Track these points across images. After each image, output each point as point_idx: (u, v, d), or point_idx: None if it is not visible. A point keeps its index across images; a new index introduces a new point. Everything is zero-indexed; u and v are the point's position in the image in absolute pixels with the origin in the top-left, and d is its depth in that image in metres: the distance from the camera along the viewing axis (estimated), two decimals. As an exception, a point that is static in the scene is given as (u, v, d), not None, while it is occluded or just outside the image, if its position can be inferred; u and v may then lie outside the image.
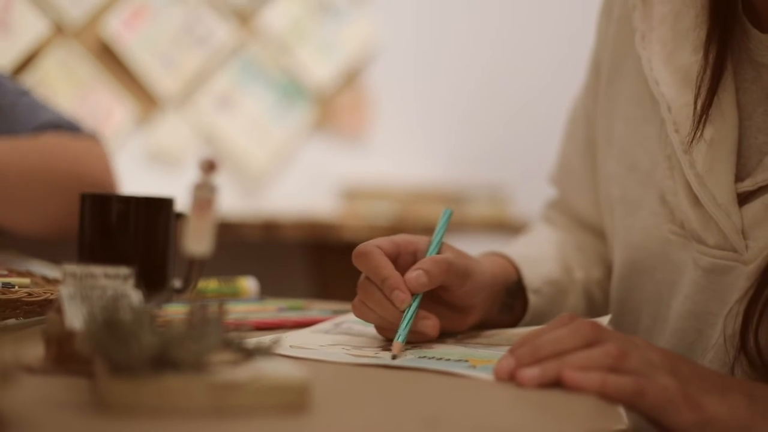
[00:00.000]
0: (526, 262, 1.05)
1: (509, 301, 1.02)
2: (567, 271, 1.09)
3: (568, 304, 1.08)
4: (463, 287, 0.92)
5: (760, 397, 0.76)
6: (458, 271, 0.91)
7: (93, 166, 1.34)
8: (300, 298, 1.15)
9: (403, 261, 0.92)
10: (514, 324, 1.02)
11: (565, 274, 1.09)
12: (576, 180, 1.16)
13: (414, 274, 0.88)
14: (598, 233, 1.15)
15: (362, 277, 0.91)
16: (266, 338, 0.80)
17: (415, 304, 0.87)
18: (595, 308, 1.11)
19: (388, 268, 0.89)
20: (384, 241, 0.91)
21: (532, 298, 1.03)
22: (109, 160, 1.37)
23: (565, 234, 1.17)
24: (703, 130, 0.91)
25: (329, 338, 0.90)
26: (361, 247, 0.90)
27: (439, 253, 0.93)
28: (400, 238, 0.93)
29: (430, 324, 0.89)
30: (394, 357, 0.81)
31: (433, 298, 0.92)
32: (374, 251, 0.90)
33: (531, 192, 1.23)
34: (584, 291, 1.10)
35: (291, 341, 0.86)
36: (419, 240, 0.94)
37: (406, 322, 0.86)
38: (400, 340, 0.85)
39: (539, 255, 1.09)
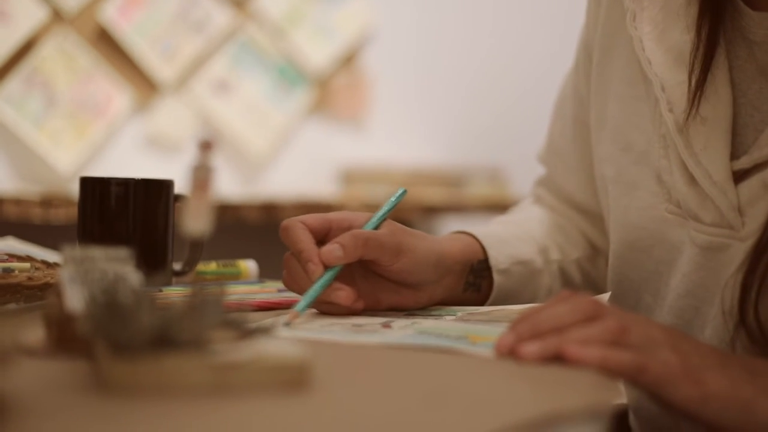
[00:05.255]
0: (494, 241, 1.05)
1: (475, 280, 1.02)
2: (542, 251, 1.10)
3: (542, 284, 1.08)
4: (395, 263, 0.93)
5: (761, 372, 0.76)
6: (383, 246, 0.92)
7: None
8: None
9: (335, 237, 0.93)
10: (482, 303, 1.03)
11: (539, 255, 1.09)
12: (564, 159, 1.16)
13: (329, 248, 0.90)
14: (585, 212, 1.15)
15: (288, 251, 0.93)
16: (268, 321, 0.80)
17: (327, 277, 0.89)
18: (573, 288, 1.11)
19: (305, 242, 0.91)
20: (311, 217, 0.93)
21: (498, 279, 1.03)
22: None
23: (548, 213, 1.17)
24: (698, 107, 0.92)
25: (329, 318, 0.90)
26: (285, 222, 0.93)
27: (377, 229, 0.94)
28: (335, 214, 0.95)
29: (343, 294, 0.90)
30: (286, 324, 0.84)
31: (380, 274, 0.94)
32: (296, 226, 0.92)
33: (530, 173, 1.23)
34: (560, 271, 1.11)
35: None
36: (357, 216, 0.95)
37: (310, 293, 0.88)
38: (298, 308, 0.87)
39: (511, 235, 1.09)
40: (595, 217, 1.13)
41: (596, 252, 1.14)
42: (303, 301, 0.88)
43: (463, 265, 1.01)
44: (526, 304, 0.96)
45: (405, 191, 1.00)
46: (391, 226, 0.95)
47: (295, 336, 0.80)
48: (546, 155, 1.20)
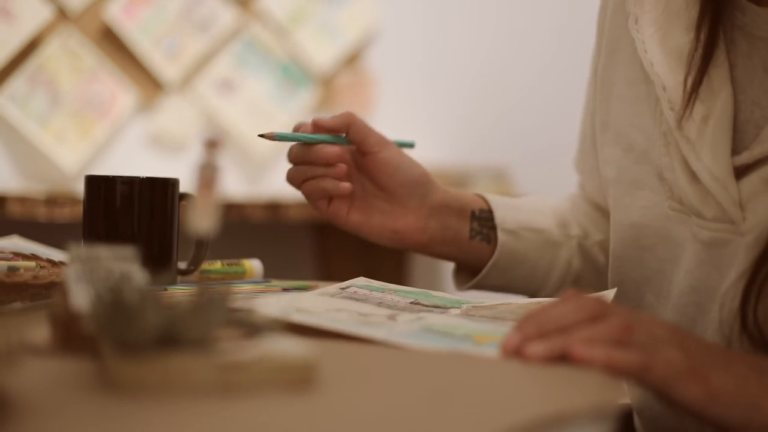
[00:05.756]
0: (501, 203, 1.12)
1: (482, 229, 1.10)
2: (562, 225, 1.15)
3: (561, 257, 1.13)
4: (381, 152, 1.07)
5: (767, 370, 0.76)
6: (370, 131, 1.08)
7: None
8: (305, 279, 1.15)
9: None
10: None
11: (557, 228, 1.14)
12: (587, 165, 1.18)
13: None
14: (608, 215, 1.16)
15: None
16: (273, 301, 0.80)
17: (316, 135, 1.07)
18: (597, 269, 1.15)
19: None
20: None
21: (504, 238, 1.09)
22: None
23: (579, 202, 1.21)
24: (692, 109, 0.93)
25: (335, 302, 0.90)
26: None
27: None
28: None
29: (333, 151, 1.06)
30: (261, 135, 1.06)
31: (369, 189, 1.08)
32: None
33: (535, 172, 1.24)
34: (580, 247, 1.15)
35: (297, 304, 0.87)
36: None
37: (294, 132, 1.08)
38: (277, 133, 1.07)
39: (527, 205, 1.15)
40: None
41: None
42: (284, 131, 1.06)
43: (461, 204, 1.09)
44: (531, 299, 0.97)
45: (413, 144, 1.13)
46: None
47: (301, 321, 0.80)
48: (577, 161, 1.22)
